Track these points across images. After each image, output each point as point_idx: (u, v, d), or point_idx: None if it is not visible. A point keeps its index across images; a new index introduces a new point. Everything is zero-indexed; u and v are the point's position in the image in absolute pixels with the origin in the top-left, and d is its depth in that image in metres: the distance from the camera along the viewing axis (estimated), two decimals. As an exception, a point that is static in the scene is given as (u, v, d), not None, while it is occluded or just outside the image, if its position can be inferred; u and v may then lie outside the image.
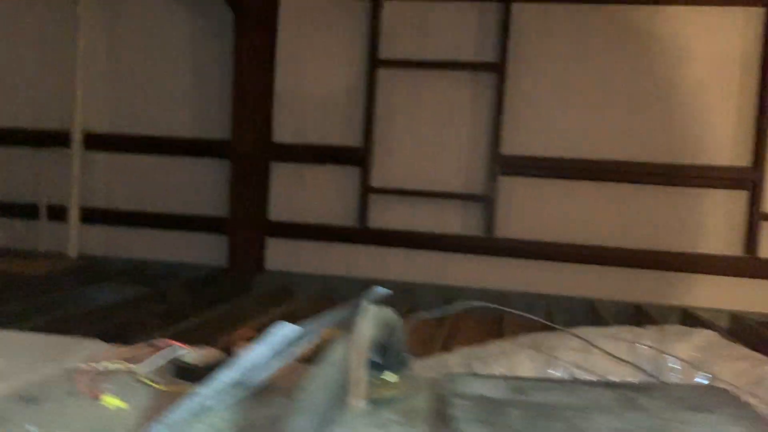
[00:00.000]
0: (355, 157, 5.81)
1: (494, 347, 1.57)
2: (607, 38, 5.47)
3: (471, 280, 5.75)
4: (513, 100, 5.58)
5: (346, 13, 5.87)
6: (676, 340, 1.42)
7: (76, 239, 6.18)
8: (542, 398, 0.92)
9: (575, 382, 1.08)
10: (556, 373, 1.43)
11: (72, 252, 6.17)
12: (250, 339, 1.02)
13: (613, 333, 1.51)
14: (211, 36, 5.98)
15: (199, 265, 5.99)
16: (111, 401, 0.87)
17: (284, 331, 0.73)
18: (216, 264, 5.97)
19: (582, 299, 5.51)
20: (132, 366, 0.98)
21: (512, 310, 1.21)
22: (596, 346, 1.50)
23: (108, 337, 3.91)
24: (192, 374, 0.95)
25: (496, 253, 5.71)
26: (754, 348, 1.50)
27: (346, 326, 0.85)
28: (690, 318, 5.28)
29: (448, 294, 5.69)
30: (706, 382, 1.32)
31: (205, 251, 6.04)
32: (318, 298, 5.46)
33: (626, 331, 1.50)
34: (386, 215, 5.89)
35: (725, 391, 0.98)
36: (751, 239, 5.31)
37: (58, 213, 6.13)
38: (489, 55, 5.62)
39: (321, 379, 0.69)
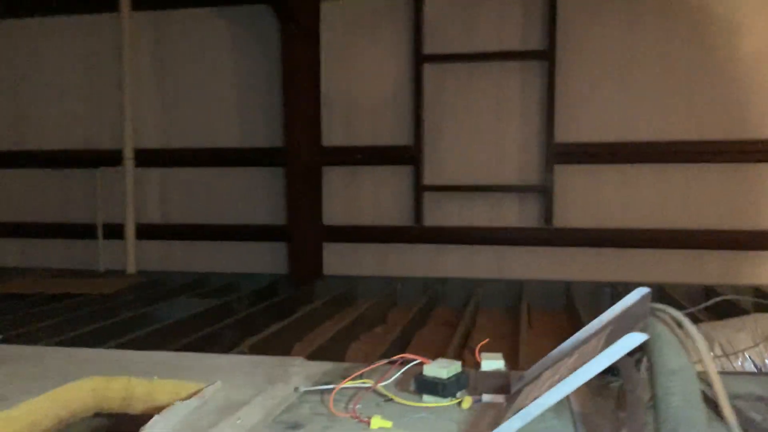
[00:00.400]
0: (406, 155, 5.78)
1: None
2: (658, 16, 5.36)
3: (532, 273, 5.69)
4: (564, 87, 5.50)
5: (388, 11, 5.84)
6: None
7: (134, 256, 6.22)
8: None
9: None
10: (737, 363, 1.38)
11: (131, 269, 6.22)
12: (485, 347, 0.99)
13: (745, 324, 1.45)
14: (255, 46, 5.99)
15: (259, 274, 5.99)
16: (378, 422, 0.84)
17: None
18: (275, 272, 5.98)
19: (649, 284, 5.41)
20: (376, 384, 0.94)
21: None
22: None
23: (197, 348, 3.89)
24: (438, 388, 0.91)
25: (555, 244, 5.64)
26: None
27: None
28: (762, 296, 5.16)
29: (510, 288, 5.65)
30: None
31: (264, 260, 6.05)
32: (381, 300, 5.43)
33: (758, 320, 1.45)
34: (441, 212, 5.85)
35: None
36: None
37: (114, 231, 6.18)
38: (537, 43, 5.55)
39: (679, 391, 0.65)
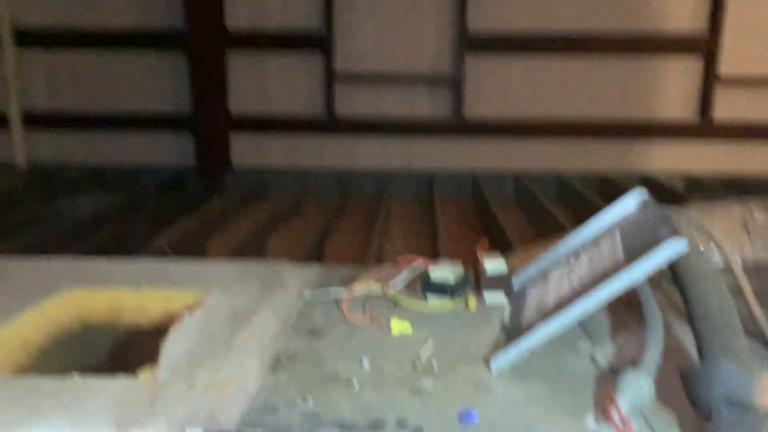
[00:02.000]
0: (316, 40, 5.57)
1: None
2: None
3: (442, 164, 5.80)
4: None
5: None
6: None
7: (22, 147, 5.75)
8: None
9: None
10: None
11: (20, 161, 5.76)
12: (486, 249, 1.01)
13: (723, 210, 1.57)
14: None
15: (164, 167, 5.73)
16: (398, 327, 0.85)
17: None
18: (182, 164, 5.73)
19: (552, 173, 5.69)
20: (387, 288, 0.94)
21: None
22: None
23: (96, 252, 3.74)
24: (444, 290, 0.93)
25: (466, 134, 5.75)
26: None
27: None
28: (650, 182, 5.58)
29: (421, 179, 5.75)
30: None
31: (169, 152, 5.76)
32: (294, 193, 5.39)
33: (739, 204, 1.57)
34: (353, 102, 5.75)
35: None
36: (705, 103, 5.55)
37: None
38: (452, -73, 5.36)
39: (717, 293, 0.69)
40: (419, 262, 0.96)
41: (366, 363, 0.76)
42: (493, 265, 0.96)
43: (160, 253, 3.57)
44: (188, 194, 5.07)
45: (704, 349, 0.64)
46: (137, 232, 4.25)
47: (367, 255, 3.60)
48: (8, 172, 5.44)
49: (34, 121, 5.77)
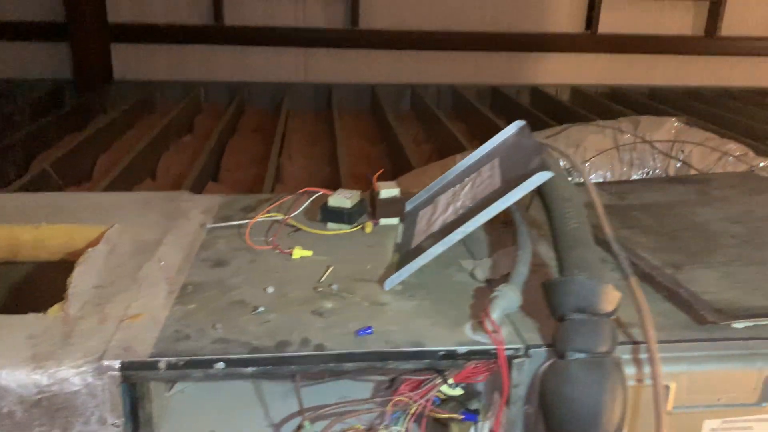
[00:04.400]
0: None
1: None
2: None
3: (339, 76, 5.76)
4: None
5: None
6: (652, 129, 1.67)
7: None
8: (643, 199, 1.10)
9: (648, 180, 1.27)
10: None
11: None
12: (380, 175, 1.07)
13: (597, 129, 1.72)
14: None
15: (38, 80, 5.34)
16: (299, 252, 0.91)
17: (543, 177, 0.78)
18: (58, 77, 5.36)
19: (446, 85, 5.80)
20: (287, 216, 0.99)
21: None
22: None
23: None
24: (342, 216, 0.99)
25: (361, 46, 5.70)
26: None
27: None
28: (538, 94, 5.82)
29: (318, 91, 5.70)
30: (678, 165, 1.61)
31: (43, 63, 5.36)
32: (184, 106, 5.20)
33: (609, 125, 1.72)
34: (243, 10, 5.53)
35: (754, 174, 1.22)
36: (591, 16, 5.78)
37: None
38: None
39: (575, 215, 0.79)
40: (319, 192, 1.02)
41: (270, 288, 0.82)
42: (387, 191, 1.03)
43: (45, 177, 3.41)
44: (68, 110, 4.79)
45: (561, 264, 0.74)
46: (14, 154, 4.01)
47: (264, 172, 3.60)
48: None
49: None
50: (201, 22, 5.54)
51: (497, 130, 1.03)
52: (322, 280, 0.85)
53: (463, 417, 0.74)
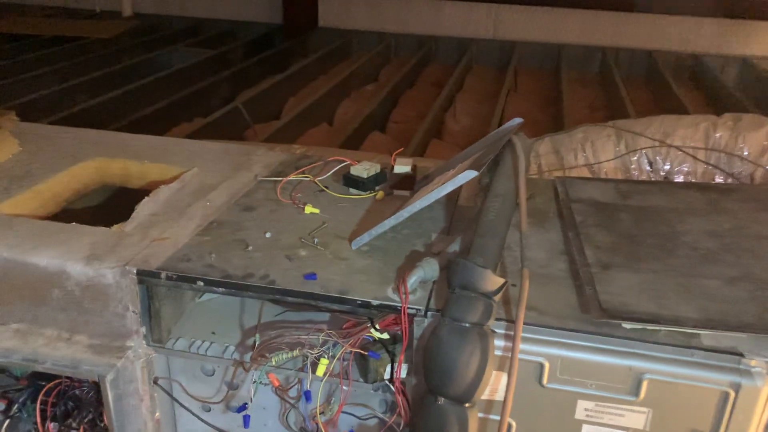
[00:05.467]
0: None
1: (578, 133, 1.77)
2: None
3: (526, 34, 5.72)
4: None
5: None
6: (750, 129, 1.60)
7: (129, -2, 6.18)
8: (644, 201, 1.15)
9: (669, 184, 1.30)
10: (634, 159, 1.64)
11: (127, 11, 6.22)
12: (398, 155, 1.25)
13: (690, 121, 1.68)
14: None
15: (255, 23, 6.02)
16: (309, 209, 1.14)
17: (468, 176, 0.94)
18: (271, 21, 6.00)
19: (641, 51, 5.50)
20: (315, 178, 1.23)
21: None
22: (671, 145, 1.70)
23: (186, 104, 4.13)
24: (360, 184, 1.20)
25: (551, 3, 5.59)
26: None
27: (495, 159, 1.05)
28: (749, 69, 5.29)
29: (503, 48, 5.72)
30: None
31: (260, 8, 6.02)
32: (375, 56, 5.56)
33: (702, 120, 1.68)
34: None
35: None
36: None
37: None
38: None
39: (497, 208, 0.92)
40: (348, 162, 1.23)
41: (269, 234, 1.07)
42: (401, 167, 1.21)
43: (237, 113, 3.95)
44: (272, 53, 5.36)
45: (469, 247, 0.89)
46: (222, 88, 4.64)
47: (421, 127, 3.82)
48: (115, 21, 5.91)
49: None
50: (401, -25, 5.80)
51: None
52: (311, 233, 1.07)
53: (368, 354, 0.93)
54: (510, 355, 0.84)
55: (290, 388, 1.00)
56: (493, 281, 0.84)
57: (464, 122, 4.41)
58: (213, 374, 1.06)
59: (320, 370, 0.93)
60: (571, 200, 1.17)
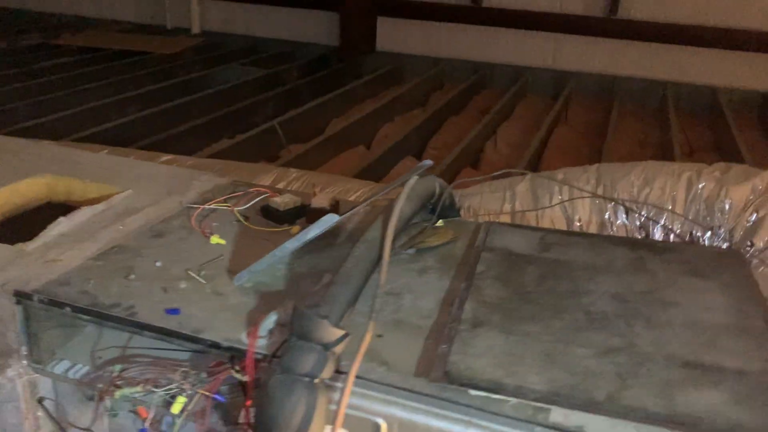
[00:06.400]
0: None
1: (559, 174, 1.69)
2: None
3: (585, 64, 5.57)
4: None
5: None
6: (735, 181, 1.48)
7: (198, 15, 6.45)
8: (563, 255, 1.08)
9: (602, 238, 1.21)
10: (610, 206, 1.55)
11: (195, 28, 6.48)
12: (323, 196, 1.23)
13: (675, 169, 1.57)
14: None
15: (314, 44, 6.14)
16: (216, 240, 1.13)
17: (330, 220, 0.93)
18: (330, 43, 6.10)
19: (704, 86, 5.25)
20: (233, 207, 1.22)
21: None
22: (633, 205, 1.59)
23: (230, 120, 4.24)
24: (276, 217, 1.18)
25: (616, 36, 5.43)
26: None
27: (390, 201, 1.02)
28: None
29: (559, 78, 5.59)
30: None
31: (319, 30, 6.14)
32: (426, 81, 5.55)
33: (689, 168, 1.56)
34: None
35: (739, 254, 1.09)
36: None
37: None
38: None
39: (358, 256, 0.89)
40: (269, 192, 1.21)
41: (159, 263, 1.06)
42: (319, 201, 1.18)
43: (273, 131, 4.02)
44: (327, 73, 5.44)
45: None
46: (268, 106, 4.74)
47: (451, 154, 3.76)
48: (182, 38, 6.17)
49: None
50: (459, 2, 5.79)
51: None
52: (202, 264, 1.06)
53: (213, 396, 0.90)
54: (341, 411, 0.80)
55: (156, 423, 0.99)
56: (329, 332, 0.80)
57: (505, 152, 4.32)
58: (93, 399, 1.06)
59: (176, 408, 0.92)
60: (485, 248, 1.11)
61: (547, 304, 0.94)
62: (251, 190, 1.24)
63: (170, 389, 0.92)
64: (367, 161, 3.72)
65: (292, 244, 0.96)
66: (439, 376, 0.79)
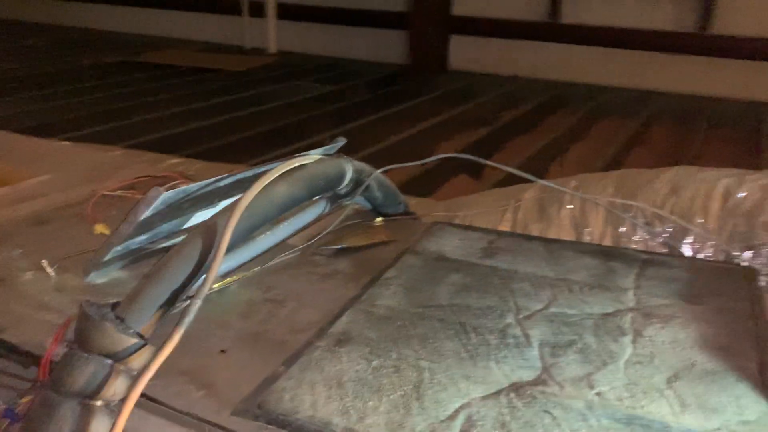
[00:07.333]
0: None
1: (572, 181, 1.41)
2: None
3: (670, 84, 5.14)
4: None
5: None
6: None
7: (275, 35, 6.52)
8: (506, 263, 0.83)
9: (570, 245, 0.94)
10: (627, 215, 1.26)
11: (272, 48, 6.54)
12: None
13: (713, 175, 1.27)
14: None
15: (387, 63, 6.04)
16: (100, 229, 0.96)
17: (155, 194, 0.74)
18: (403, 62, 5.98)
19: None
20: (135, 194, 1.06)
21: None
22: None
23: (288, 132, 4.12)
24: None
25: (705, 53, 4.97)
26: None
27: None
28: None
29: (640, 98, 5.18)
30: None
31: (392, 50, 6.03)
32: (498, 100, 5.28)
33: (730, 174, 1.25)
34: (582, 8, 5.31)
35: (750, 272, 0.80)
36: None
37: (259, 9, 6.47)
38: None
39: (185, 245, 0.68)
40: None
41: (17, 251, 0.90)
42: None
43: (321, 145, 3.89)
44: (392, 90, 5.31)
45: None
46: (324, 121, 4.64)
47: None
48: (258, 57, 6.24)
49: (286, 12, 6.47)
50: (537, 18, 5.53)
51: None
52: (68, 256, 0.89)
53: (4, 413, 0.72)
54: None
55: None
56: (117, 339, 0.60)
57: (570, 172, 3.99)
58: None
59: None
60: (412, 250, 0.87)
61: (449, 322, 0.70)
62: (158, 176, 1.07)
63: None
64: (412, 174, 3.51)
65: (125, 229, 0.77)
66: (250, 407, 0.57)
